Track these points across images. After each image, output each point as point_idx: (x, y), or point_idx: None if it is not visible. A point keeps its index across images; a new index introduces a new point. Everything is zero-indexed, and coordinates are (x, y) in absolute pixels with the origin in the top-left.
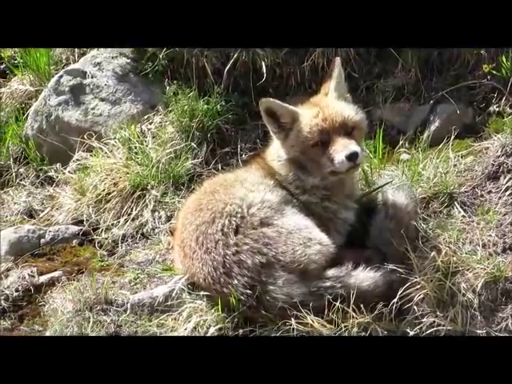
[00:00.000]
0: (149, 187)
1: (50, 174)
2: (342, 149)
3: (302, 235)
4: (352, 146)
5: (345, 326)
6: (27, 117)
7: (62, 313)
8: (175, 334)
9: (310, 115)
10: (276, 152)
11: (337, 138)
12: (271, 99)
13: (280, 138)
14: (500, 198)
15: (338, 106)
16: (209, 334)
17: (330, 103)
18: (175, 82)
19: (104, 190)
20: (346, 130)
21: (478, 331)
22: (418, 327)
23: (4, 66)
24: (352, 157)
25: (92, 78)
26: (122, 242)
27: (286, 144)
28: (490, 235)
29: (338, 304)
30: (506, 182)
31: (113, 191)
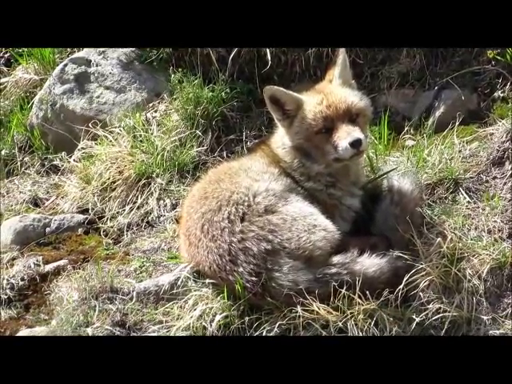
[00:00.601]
0: (154, 175)
1: (55, 162)
2: (345, 136)
3: (307, 222)
4: (356, 132)
5: (351, 313)
6: (32, 105)
7: (68, 301)
8: (181, 321)
9: (314, 102)
10: (280, 139)
11: (341, 125)
12: (275, 87)
13: (284, 125)
14: (505, 183)
15: (343, 92)
16: (214, 322)
17: (335, 90)
18: (180, 69)
19: (109, 179)
20: (351, 116)
21: (484, 317)
22: (424, 313)
23: (9, 54)
24: (355, 144)
25: (97, 66)
26: (127, 231)
27: (291, 131)
28: (496, 221)
29: (343, 291)
30: (511, 168)
31: (118, 179)
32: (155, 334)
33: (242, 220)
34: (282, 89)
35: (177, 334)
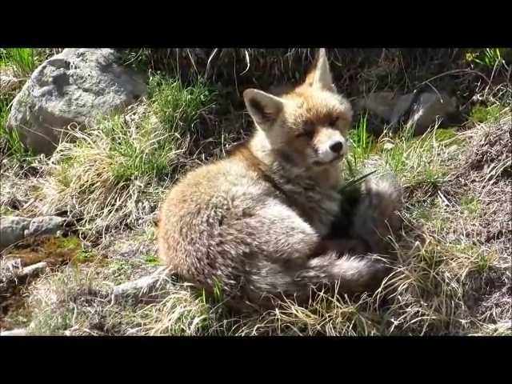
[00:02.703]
0: (132, 178)
1: (33, 164)
2: (326, 139)
3: (285, 225)
4: (336, 136)
5: (329, 316)
6: (11, 107)
7: (46, 304)
8: (159, 324)
9: (294, 105)
10: (260, 142)
11: (321, 129)
12: (255, 90)
13: (264, 128)
14: (484, 187)
15: (323, 96)
16: (193, 325)
17: (315, 93)
18: (159, 72)
19: (88, 181)
20: (331, 120)
21: (462, 321)
22: (402, 317)
23: None
24: (336, 147)
25: (75, 68)
26: (105, 233)
27: (271, 134)
28: (474, 224)
29: (322, 294)
30: (490, 171)
31: (96, 182)
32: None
33: (221, 223)
34: (262, 92)
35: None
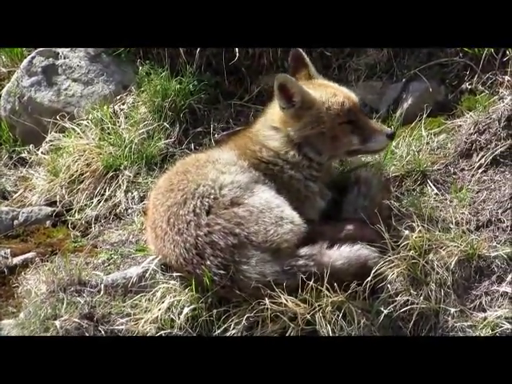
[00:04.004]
0: (122, 168)
1: (22, 155)
2: (379, 128)
3: (274, 214)
4: (384, 126)
5: (319, 305)
6: (0, 98)
7: (36, 294)
8: (149, 314)
9: (328, 95)
10: (270, 128)
11: (363, 118)
12: (288, 76)
13: (289, 113)
14: (473, 175)
15: (342, 88)
16: (182, 315)
17: (334, 85)
18: (147, 62)
19: (77, 171)
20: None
21: (452, 309)
22: (392, 305)
23: None
24: (393, 135)
25: (64, 58)
26: (95, 223)
27: (297, 121)
28: (463, 213)
29: (311, 283)
30: (479, 160)
31: (86, 172)
32: (123, 327)
33: (208, 213)
34: (293, 79)
35: (145, 327)
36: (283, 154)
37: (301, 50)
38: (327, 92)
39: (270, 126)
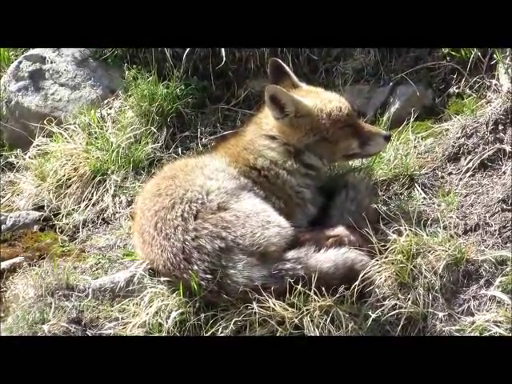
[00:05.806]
0: (109, 172)
1: (10, 159)
2: (376, 131)
3: (260, 218)
4: (380, 129)
5: (306, 310)
6: None
7: (24, 299)
8: (137, 318)
9: (323, 101)
10: (265, 137)
11: (359, 122)
12: (278, 87)
13: (284, 122)
14: (460, 179)
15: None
16: (170, 319)
17: (324, 91)
18: (134, 66)
19: (64, 176)
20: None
21: (440, 313)
22: (380, 310)
23: None
24: (389, 137)
25: (51, 63)
26: (82, 228)
27: (294, 129)
28: (451, 217)
29: (299, 287)
30: (467, 164)
31: (73, 176)
32: (111, 331)
33: (196, 218)
34: (284, 90)
35: (133, 331)
36: (281, 163)
37: (279, 60)
38: (322, 98)
39: (266, 136)
